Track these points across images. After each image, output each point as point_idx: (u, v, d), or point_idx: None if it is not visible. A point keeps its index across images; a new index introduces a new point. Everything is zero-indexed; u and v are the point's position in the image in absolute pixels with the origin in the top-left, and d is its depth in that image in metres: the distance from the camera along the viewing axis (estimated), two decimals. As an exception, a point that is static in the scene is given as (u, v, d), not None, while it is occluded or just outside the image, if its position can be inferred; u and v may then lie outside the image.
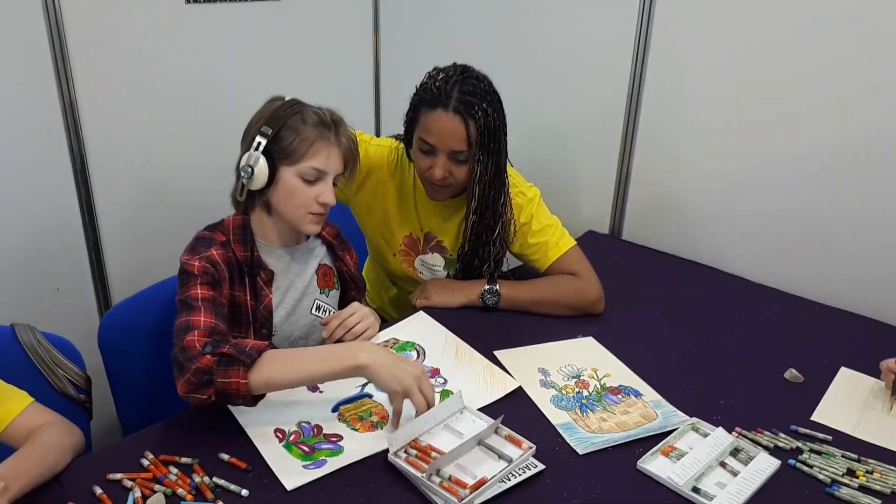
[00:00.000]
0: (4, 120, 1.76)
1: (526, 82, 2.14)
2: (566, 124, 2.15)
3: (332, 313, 1.51)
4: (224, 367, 1.17)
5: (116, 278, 2.07)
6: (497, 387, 1.36)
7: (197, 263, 1.29)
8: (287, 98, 1.37)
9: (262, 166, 1.31)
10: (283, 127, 1.31)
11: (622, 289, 1.74)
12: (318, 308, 1.49)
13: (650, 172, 2.02)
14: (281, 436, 1.22)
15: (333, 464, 1.16)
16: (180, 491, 1.09)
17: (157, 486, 1.10)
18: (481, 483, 1.10)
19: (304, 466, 1.15)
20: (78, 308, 2.02)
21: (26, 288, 1.91)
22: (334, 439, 1.22)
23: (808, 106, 1.71)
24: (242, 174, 1.33)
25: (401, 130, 1.63)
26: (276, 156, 1.32)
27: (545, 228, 1.65)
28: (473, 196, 1.56)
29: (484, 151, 1.50)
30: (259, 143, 1.31)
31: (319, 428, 1.24)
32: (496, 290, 1.61)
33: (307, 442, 1.21)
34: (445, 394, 1.34)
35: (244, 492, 1.10)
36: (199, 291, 1.27)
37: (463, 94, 1.46)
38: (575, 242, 1.67)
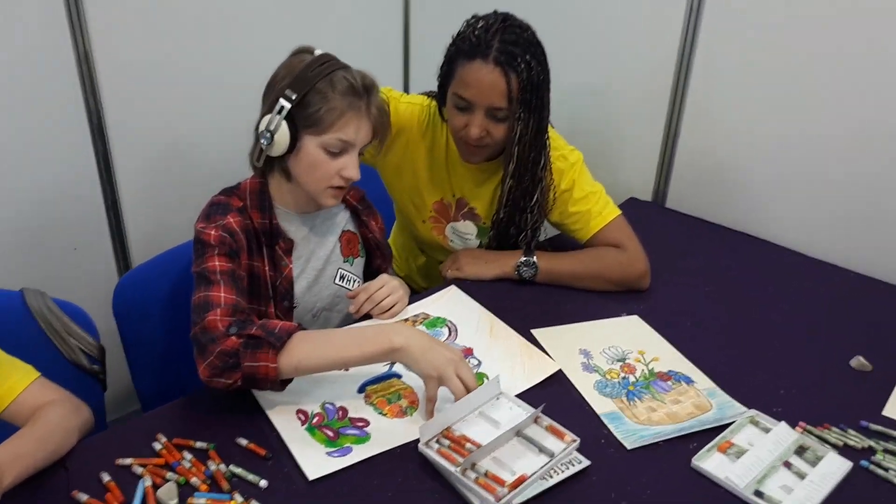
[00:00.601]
0: (17, 73, 1.66)
1: (568, 35, 1.97)
2: (610, 83, 1.99)
3: (356, 283, 1.42)
4: (252, 350, 1.08)
5: (136, 240, 1.98)
6: (535, 370, 1.25)
7: (213, 232, 1.20)
8: (316, 52, 1.25)
9: (283, 132, 1.20)
10: (310, 91, 1.19)
11: (667, 262, 1.61)
12: (343, 278, 1.39)
13: (698, 138, 1.87)
14: (304, 418, 1.13)
15: (359, 452, 1.07)
16: (194, 480, 1.01)
17: (169, 474, 1.02)
18: (521, 480, 1.00)
19: (329, 454, 1.07)
20: (97, 271, 1.94)
21: (42, 250, 1.83)
22: (360, 424, 1.13)
23: (870, 77, 1.56)
24: (262, 139, 1.22)
25: (431, 87, 1.51)
26: (300, 122, 1.20)
27: (588, 196, 1.52)
28: (512, 158, 1.44)
29: (525, 108, 1.38)
30: (282, 108, 1.20)
31: (345, 410, 1.15)
32: (533, 261, 1.50)
33: (332, 426, 1.12)
34: (480, 377, 1.24)
35: (262, 482, 1.01)
36: (217, 263, 1.17)
37: (505, 43, 1.33)
38: (620, 212, 1.55)
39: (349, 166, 1.23)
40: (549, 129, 1.48)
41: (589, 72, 2.00)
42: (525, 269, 1.50)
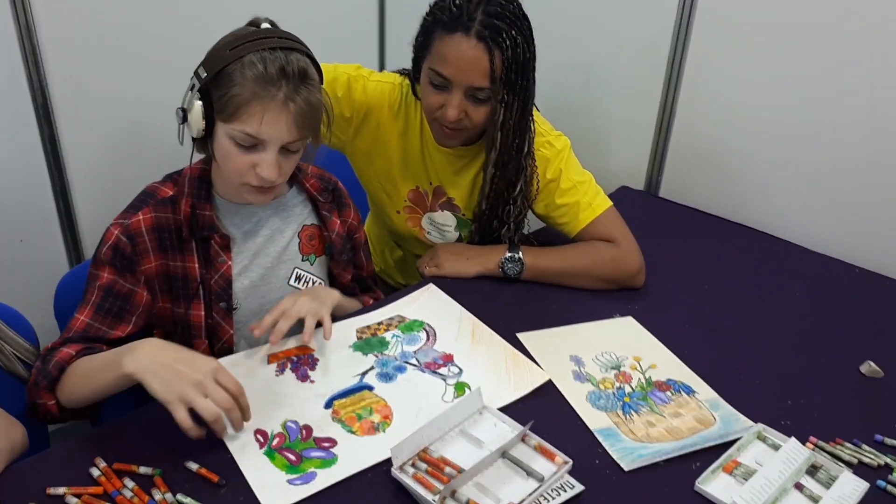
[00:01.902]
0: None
1: (554, 6, 1.84)
2: (600, 62, 1.86)
3: (318, 284, 1.28)
4: (35, 388, 1.05)
5: (89, 230, 1.83)
6: (522, 380, 1.14)
7: (113, 234, 1.11)
8: (262, 25, 1.11)
9: (196, 113, 1.07)
10: (221, 71, 1.05)
11: (662, 256, 1.50)
12: (299, 279, 1.26)
13: (695, 122, 1.76)
14: (262, 439, 1.01)
15: (325, 478, 0.95)
16: (135, 513, 0.89)
17: (106, 506, 0.89)
18: (507, 511, 0.89)
19: (290, 481, 0.94)
20: (45, 266, 1.79)
21: (-18, 241, 1.68)
22: (327, 445, 1.01)
23: (877, 59, 1.45)
24: (177, 116, 1.10)
25: (408, 65, 1.37)
26: (214, 105, 1.07)
27: (576, 186, 1.41)
28: (494, 145, 1.31)
29: (510, 90, 1.25)
30: (193, 85, 1.07)
31: (309, 430, 1.03)
32: (518, 257, 1.38)
33: (294, 448, 1.00)
34: (460, 388, 1.12)
35: (214, 515, 0.89)
36: (102, 274, 1.11)
37: (489, 16, 1.20)
38: (611, 203, 1.43)
39: (263, 164, 1.07)
40: (534, 112, 1.35)
41: (576, 48, 1.87)
42: (509, 265, 1.38)
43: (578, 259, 1.39)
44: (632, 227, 1.44)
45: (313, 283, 1.27)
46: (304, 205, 1.27)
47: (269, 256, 1.23)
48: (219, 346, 1.19)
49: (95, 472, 0.94)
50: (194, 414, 0.94)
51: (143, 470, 0.95)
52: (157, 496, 0.91)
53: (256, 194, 1.13)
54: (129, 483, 0.92)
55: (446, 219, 1.48)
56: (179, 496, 0.91)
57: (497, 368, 1.16)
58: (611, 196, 1.46)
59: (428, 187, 1.46)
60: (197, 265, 1.15)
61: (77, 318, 1.10)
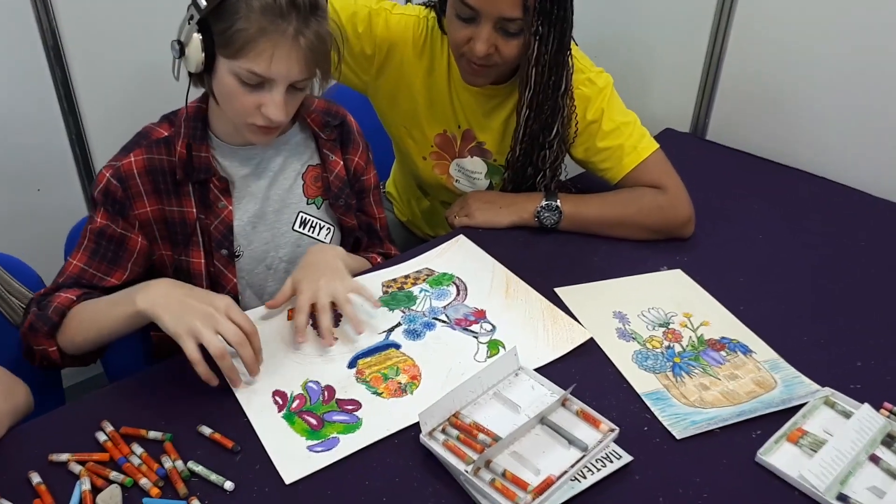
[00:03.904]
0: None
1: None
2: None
3: (326, 231, 1.19)
4: (34, 333, 1.00)
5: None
6: (562, 338, 1.04)
7: (105, 175, 1.04)
8: None
9: (195, 46, 0.97)
10: (224, 1, 0.94)
11: (711, 204, 1.38)
12: (304, 223, 1.17)
13: (747, 60, 1.62)
14: (281, 401, 0.93)
15: (348, 444, 0.88)
16: (144, 481, 0.82)
17: (113, 474, 0.83)
18: (548, 484, 0.80)
19: (311, 448, 0.87)
20: (65, 211, 1.72)
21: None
22: (350, 408, 0.93)
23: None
24: (172, 49, 1.00)
25: None
26: (216, 39, 0.97)
27: (619, 128, 1.29)
28: (528, 83, 1.20)
29: (545, 21, 1.13)
30: (192, 16, 0.96)
31: (331, 391, 0.95)
32: (556, 205, 1.27)
33: (315, 411, 0.92)
34: (494, 346, 1.03)
35: (228, 484, 0.82)
36: (95, 218, 1.05)
37: None
38: (658, 146, 1.31)
39: (269, 103, 0.98)
40: (572, 46, 1.23)
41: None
42: (546, 214, 1.27)
43: (622, 207, 1.28)
44: (678, 171, 1.32)
45: (320, 229, 1.18)
46: (308, 143, 1.17)
47: (272, 200, 1.14)
48: (223, 294, 1.12)
49: (102, 437, 0.87)
50: (208, 360, 0.89)
51: (152, 435, 0.88)
52: (167, 464, 0.84)
53: (259, 134, 1.04)
54: (138, 449, 0.86)
55: (476, 165, 1.37)
56: (191, 464, 0.84)
57: (534, 325, 1.07)
58: (655, 139, 1.33)
59: (456, 131, 1.35)
60: (195, 210, 1.07)
61: (70, 262, 1.05)
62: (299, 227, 1.16)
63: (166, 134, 1.07)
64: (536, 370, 0.97)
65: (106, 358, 1.21)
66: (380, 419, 0.91)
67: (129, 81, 1.70)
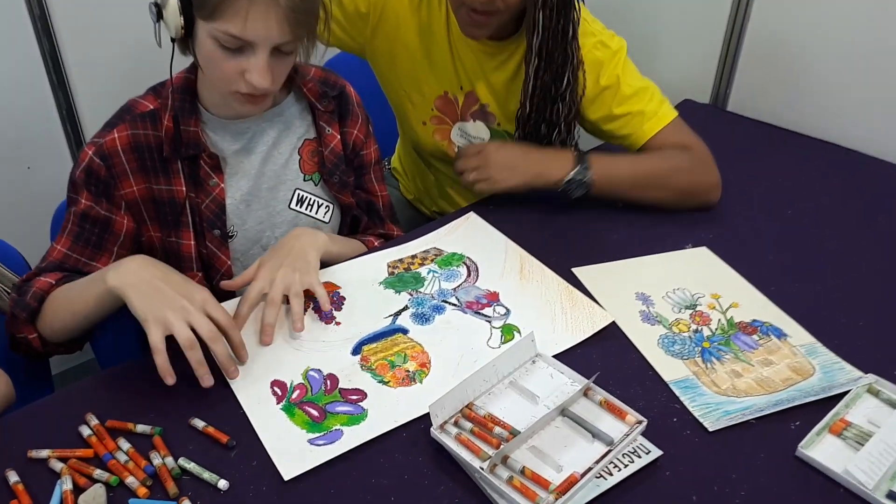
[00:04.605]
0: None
1: None
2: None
3: (324, 208, 1.12)
4: (14, 321, 0.94)
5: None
6: (581, 321, 0.97)
7: (86, 158, 0.97)
8: None
9: (173, 9, 0.89)
10: None
11: (735, 177, 1.30)
12: (301, 201, 1.10)
13: (771, 27, 1.52)
14: (280, 392, 0.86)
15: (353, 437, 0.81)
16: (130, 480, 0.75)
17: (97, 472, 0.76)
18: (572, 482, 0.73)
19: (312, 441, 0.80)
20: (58, 189, 1.66)
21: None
22: (355, 398, 0.86)
23: None
24: (150, 13, 0.93)
25: None
26: (192, 0, 0.89)
27: (638, 93, 1.20)
28: (536, 28, 1.11)
29: None
30: None
31: (334, 380, 0.88)
32: (587, 180, 1.16)
33: (317, 402, 0.85)
34: (508, 331, 0.96)
35: (222, 483, 0.75)
36: (78, 199, 0.98)
37: None
38: (677, 114, 1.23)
39: (252, 68, 0.90)
40: (582, 8, 1.14)
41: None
42: (573, 188, 1.16)
43: (654, 163, 1.19)
44: None
45: (318, 207, 1.11)
46: (304, 115, 1.10)
47: (267, 177, 1.07)
48: (217, 277, 1.05)
49: (86, 431, 0.81)
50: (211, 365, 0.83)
51: (140, 428, 0.81)
52: (157, 461, 0.77)
53: (247, 104, 0.96)
54: (125, 445, 0.79)
55: (479, 130, 1.29)
56: (182, 461, 0.77)
57: (551, 309, 0.99)
58: None
59: (458, 92, 1.27)
60: (184, 188, 1.00)
61: (54, 247, 0.98)
62: (296, 205, 1.09)
63: (152, 107, 0.99)
64: (555, 357, 0.90)
65: (99, 344, 1.16)
66: (387, 410, 0.84)
67: (121, 53, 1.62)
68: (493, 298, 1.02)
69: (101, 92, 1.62)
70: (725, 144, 1.46)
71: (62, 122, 1.63)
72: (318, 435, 0.81)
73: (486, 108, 1.27)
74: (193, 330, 0.82)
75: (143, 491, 0.74)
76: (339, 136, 1.11)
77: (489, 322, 0.98)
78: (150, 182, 0.99)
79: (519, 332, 0.96)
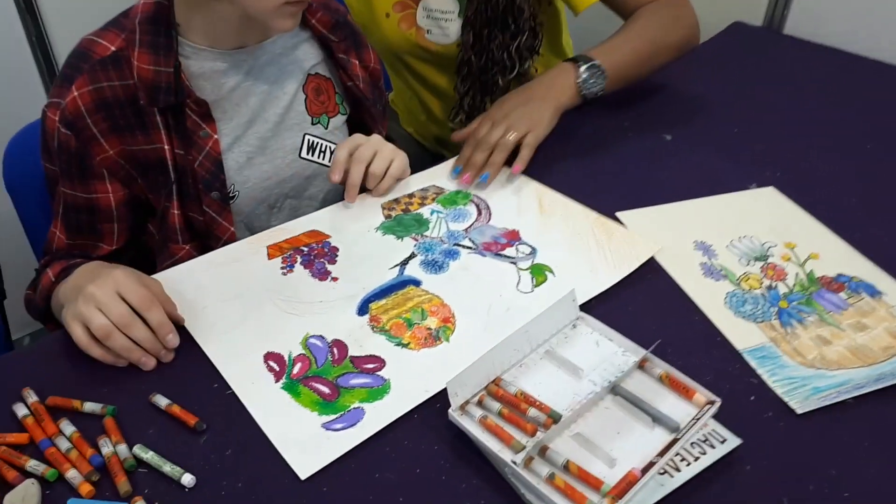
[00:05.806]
0: None
1: None
2: None
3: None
4: (37, 317, 0.84)
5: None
6: (622, 254, 0.81)
7: (53, 128, 0.80)
8: None
9: None
10: None
11: (797, 108, 1.12)
12: (313, 148, 0.93)
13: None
14: (278, 367, 0.70)
15: (377, 416, 0.65)
16: (72, 474, 0.60)
17: (31, 463, 0.61)
18: (630, 482, 0.57)
19: (327, 426, 0.64)
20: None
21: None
22: (371, 366, 0.70)
23: None
24: None
25: None
26: None
27: None
28: None
29: None
30: None
31: (342, 347, 0.72)
32: (597, 63, 1.00)
33: (325, 375, 0.69)
34: (539, 272, 0.80)
35: (187, 478, 0.60)
36: (55, 176, 0.84)
37: None
38: None
39: None
40: None
41: None
42: (592, 81, 1.00)
43: (644, 32, 1.07)
44: (751, 72, 1.15)
45: (331, 154, 0.94)
46: (307, 47, 0.93)
47: (269, 122, 0.89)
48: (219, 247, 0.88)
49: (22, 411, 0.65)
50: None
51: (88, 407, 0.66)
52: (106, 449, 0.62)
53: (295, 15, 0.79)
54: (68, 428, 0.64)
55: (444, 3, 1.11)
56: (137, 449, 0.62)
57: (584, 242, 0.83)
58: (721, 35, 1.15)
59: None
60: (168, 145, 0.82)
61: (53, 232, 0.86)
62: (307, 153, 0.93)
63: (114, 48, 0.80)
64: (598, 297, 0.73)
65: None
66: (413, 379, 0.68)
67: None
68: (513, 237, 0.85)
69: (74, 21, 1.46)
70: (782, 71, 1.28)
71: (31, 50, 1.48)
72: (333, 417, 0.65)
73: None
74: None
75: (86, 488, 0.59)
76: (360, 67, 0.96)
77: (514, 264, 0.81)
78: (125, 143, 0.81)
79: (552, 271, 0.80)
